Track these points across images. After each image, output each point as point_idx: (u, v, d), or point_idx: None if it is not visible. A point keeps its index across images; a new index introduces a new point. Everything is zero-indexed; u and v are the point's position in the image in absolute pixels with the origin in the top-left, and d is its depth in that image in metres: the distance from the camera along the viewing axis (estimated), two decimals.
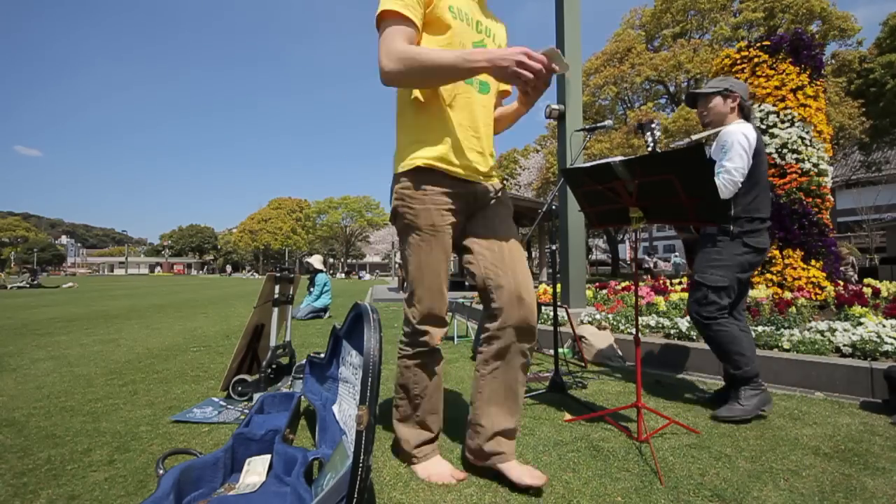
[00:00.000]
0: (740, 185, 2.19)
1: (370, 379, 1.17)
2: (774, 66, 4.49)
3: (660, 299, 4.21)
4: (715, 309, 2.21)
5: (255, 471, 1.53)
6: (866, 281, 5.06)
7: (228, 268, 73.51)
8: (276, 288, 2.68)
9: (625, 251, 44.06)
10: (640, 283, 5.03)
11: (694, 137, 2.42)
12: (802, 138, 4.38)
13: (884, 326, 2.81)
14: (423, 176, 1.51)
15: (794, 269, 4.20)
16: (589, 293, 5.30)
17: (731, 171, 2.16)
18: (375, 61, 1.40)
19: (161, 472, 1.48)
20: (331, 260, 65.08)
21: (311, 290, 6.98)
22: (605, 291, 5.54)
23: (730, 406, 2.11)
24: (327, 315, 6.87)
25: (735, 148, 2.17)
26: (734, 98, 2.34)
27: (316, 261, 7.29)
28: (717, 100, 2.36)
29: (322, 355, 2.07)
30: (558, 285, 4.41)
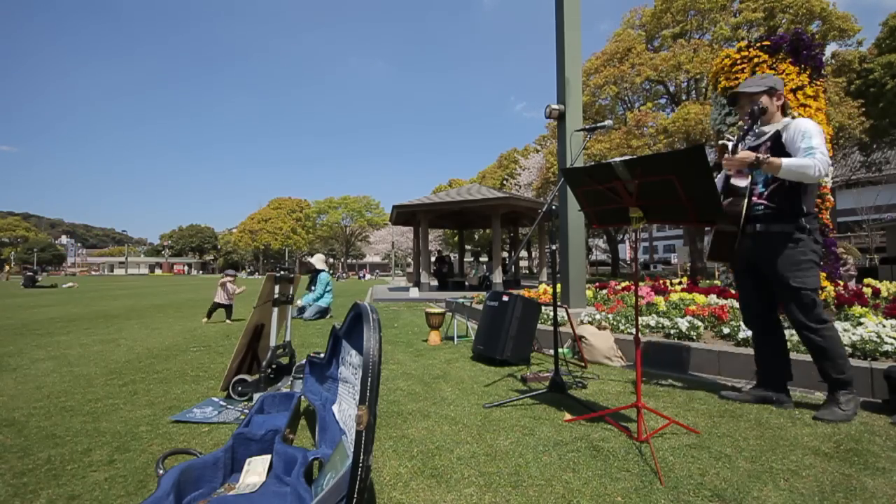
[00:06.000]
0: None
1: (370, 379, 1.17)
2: (774, 66, 4.49)
3: (660, 299, 4.21)
4: (823, 311, 2.14)
5: (255, 471, 1.53)
6: (866, 281, 5.06)
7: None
8: (276, 288, 2.68)
9: (625, 251, 44.05)
10: (641, 284, 5.03)
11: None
12: None
13: (884, 326, 2.80)
14: None
15: None
16: (589, 293, 5.29)
17: (825, 153, 2.06)
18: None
19: (161, 472, 1.48)
20: (331, 260, 65.05)
21: (313, 288, 7.02)
22: (605, 291, 5.54)
23: (832, 410, 2.10)
24: (329, 315, 6.87)
25: (820, 135, 2.10)
26: (778, 96, 2.30)
27: (318, 260, 7.37)
28: (765, 98, 2.29)
29: (322, 355, 2.07)
30: (558, 285, 4.40)
